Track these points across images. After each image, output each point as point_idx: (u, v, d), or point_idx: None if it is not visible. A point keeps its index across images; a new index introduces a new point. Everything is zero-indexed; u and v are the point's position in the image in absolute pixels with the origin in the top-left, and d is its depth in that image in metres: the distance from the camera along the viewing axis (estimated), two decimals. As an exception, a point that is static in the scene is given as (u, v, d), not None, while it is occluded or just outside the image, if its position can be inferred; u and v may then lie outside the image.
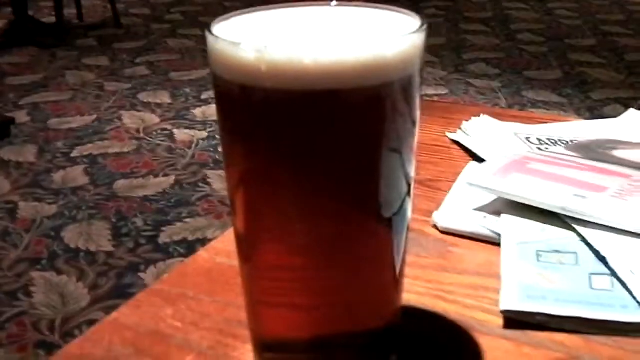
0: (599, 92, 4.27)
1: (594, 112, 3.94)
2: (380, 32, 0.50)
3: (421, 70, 0.49)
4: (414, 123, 0.49)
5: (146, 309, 0.62)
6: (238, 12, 0.51)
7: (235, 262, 0.56)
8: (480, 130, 0.91)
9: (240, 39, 0.45)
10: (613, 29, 5.75)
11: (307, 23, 0.52)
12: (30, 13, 5.61)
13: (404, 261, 0.54)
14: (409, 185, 0.51)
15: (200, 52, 5.14)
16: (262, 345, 0.55)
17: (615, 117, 0.96)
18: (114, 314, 0.61)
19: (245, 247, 0.53)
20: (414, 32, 0.47)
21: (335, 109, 0.45)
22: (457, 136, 0.92)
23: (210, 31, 0.47)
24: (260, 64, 0.44)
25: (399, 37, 0.46)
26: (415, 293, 0.63)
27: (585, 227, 0.66)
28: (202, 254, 0.70)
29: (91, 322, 2.18)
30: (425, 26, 0.47)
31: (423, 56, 0.48)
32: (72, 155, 3.44)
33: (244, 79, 0.45)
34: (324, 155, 0.46)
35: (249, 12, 0.51)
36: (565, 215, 0.68)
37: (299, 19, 0.52)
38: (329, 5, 0.52)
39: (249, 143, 0.48)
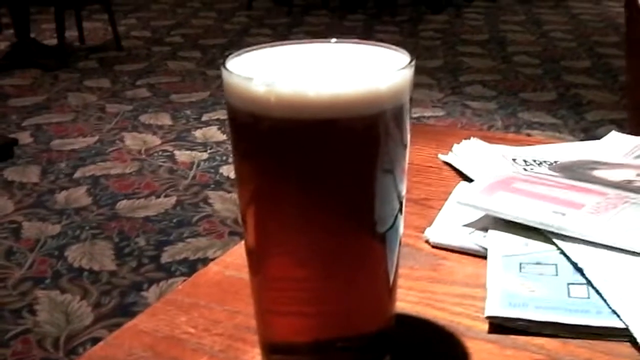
0: (594, 114, 4.32)
1: (588, 133, 3.99)
2: (374, 67, 0.56)
3: (410, 99, 0.54)
4: (405, 146, 0.55)
5: (162, 316, 0.67)
6: (249, 48, 0.56)
7: (243, 274, 0.61)
8: (470, 152, 0.96)
9: (251, 74, 0.51)
10: (608, 50, 5.80)
11: (311, 59, 0.57)
12: (32, 35, 5.66)
13: (396, 272, 0.59)
14: (401, 202, 0.56)
15: (200, 74, 5.19)
16: (269, 348, 0.60)
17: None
18: (133, 321, 0.66)
19: (255, 260, 0.58)
20: (404, 68, 0.52)
21: (334, 136, 0.51)
22: (449, 158, 0.97)
23: (225, 66, 0.53)
24: (269, 96, 0.50)
25: (391, 72, 0.52)
26: (408, 302, 0.67)
27: (564, 241, 0.71)
28: (213, 267, 0.75)
29: (95, 340, 2.22)
30: (414, 62, 0.53)
31: (412, 87, 0.54)
32: (75, 176, 3.48)
33: (255, 108, 0.51)
34: (325, 176, 0.52)
35: (258, 49, 0.57)
36: (546, 230, 0.73)
37: (304, 55, 0.57)
38: (330, 42, 0.58)
39: (259, 165, 0.53)
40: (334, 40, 0.58)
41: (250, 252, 0.58)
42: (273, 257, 0.57)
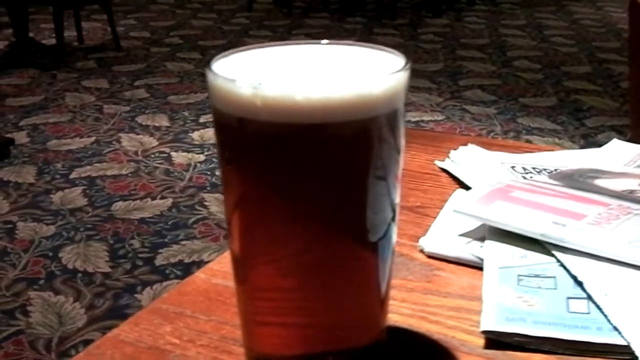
0: (594, 120, 4.31)
1: (588, 139, 3.97)
2: (367, 70, 0.54)
3: (405, 103, 0.52)
4: (398, 152, 0.53)
5: (145, 326, 0.64)
6: (236, 49, 0.54)
7: (230, 283, 0.59)
8: (467, 158, 0.94)
9: (237, 76, 0.49)
10: (609, 56, 5.79)
11: (300, 61, 0.55)
12: (31, 35, 5.64)
13: (389, 283, 0.56)
14: (394, 210, 0.54)
15: (199, 75, 5.17)
16: (255, 361, 0.58)
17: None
18: (115, 331, 0.64)
19: (241, 268, 0.55)
20: (399, 71, 0.50)
21: (324, 141, 0.48)
22: (446, 164, 0.94)
23: (210, 68, 0.50)
24: (255, 99, 0.47)
25: (385, 76, 0.49)
26: (401, 314, 0.65)
27: (564, 253, 0.69)
28: (200, 275, 0.72)
29: (87, 342, 2.20)
30: (409, 65, 0.51)
31: (407, 91, 0.52)
32: (71, 176, 3.46)
33: (241, 112, 0.48)
34: (314, 182, 0.50)
35: (246, 50, 0.55)
36: (545, 242, 0.71)
37: (293, 57, 0.55)
38: (321, 43, 0.56)
39: (245, 171, 0.51)
40: (325, 41, 0.55)
41: (236, 261, 0.56)
42: (259, 266, 0.55)
